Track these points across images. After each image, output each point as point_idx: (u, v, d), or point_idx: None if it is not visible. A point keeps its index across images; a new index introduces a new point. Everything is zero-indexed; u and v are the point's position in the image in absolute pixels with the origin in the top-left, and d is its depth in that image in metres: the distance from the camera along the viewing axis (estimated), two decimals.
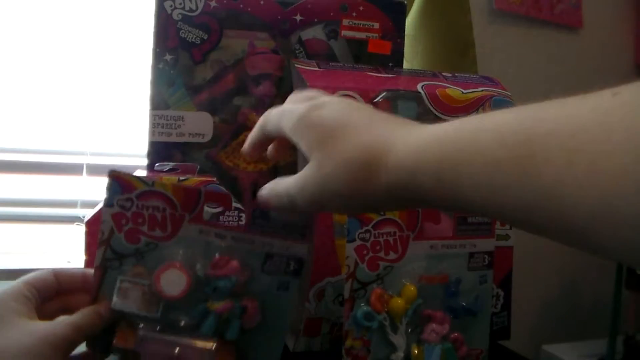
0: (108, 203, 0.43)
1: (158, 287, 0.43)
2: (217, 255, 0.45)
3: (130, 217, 0.44)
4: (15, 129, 1.03)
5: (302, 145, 0.37)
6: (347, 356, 0.53)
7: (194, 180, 0.57)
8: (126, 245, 0.44)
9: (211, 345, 0.44)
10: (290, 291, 0.46)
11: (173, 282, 0.44)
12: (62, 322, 0.40)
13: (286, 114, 0.39)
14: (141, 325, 0.43)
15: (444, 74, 0.68)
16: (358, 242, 0.52)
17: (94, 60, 1.04)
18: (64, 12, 1.03)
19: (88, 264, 0.57)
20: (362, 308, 0.52)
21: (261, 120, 0.42)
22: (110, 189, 0.43)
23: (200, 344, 0.44)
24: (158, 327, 0.43)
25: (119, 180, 0.43)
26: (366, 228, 0.52)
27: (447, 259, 0.56)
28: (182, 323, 0.44)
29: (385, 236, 0.53)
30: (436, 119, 0.61)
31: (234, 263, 0.45)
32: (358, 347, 0.53)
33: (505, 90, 0.66)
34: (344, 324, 0.53)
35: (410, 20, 0.98)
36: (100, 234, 0.44)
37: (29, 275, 0.43)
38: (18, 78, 1.02)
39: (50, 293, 0.44)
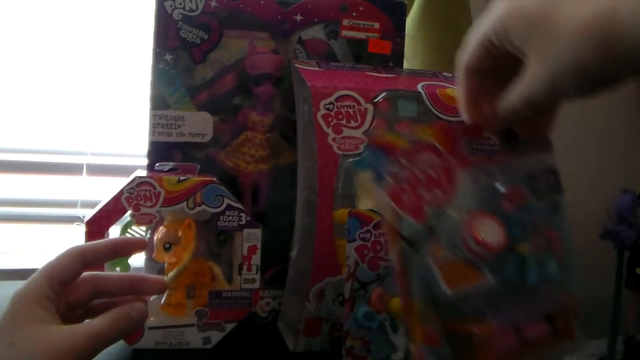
0: (377, 177, 0.36)
1: (481, 242, 0.36)
2: (504, 190, 0.39)
3: (407, 177, 0.37)
4: (15, 129, 1.03)
5: (515, 40, 0.34)
6: (347, 356, 0.53)
7: (194, 180, 0.57)
8: (416, 225, 0.36)
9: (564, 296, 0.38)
10: (563, 211, 0.41)
11: (490, 232, 0.36)
12: (82, 332, 0.38)
13: (485, 21, 0.36)
14: (477, 305, 0.35)
15: (444, 73, 0.68)
16: (359, 242, 0.52)
17: (94, 60, 1.04)
18: (64, 12, 1.02)
19: None
20: (363, 308, 0.52)
21: (458, 61, 0.40)
22: (372, 154, 0.37)
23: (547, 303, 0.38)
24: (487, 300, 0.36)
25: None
26: (367, 228, 0.52)
27: None
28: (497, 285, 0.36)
29: (386, 236, 0.53)
30: (437, 119, 0.61)
31: (522, 189, 0.39)
32: (358, 347, 0.53)
33: None
34: (344, 324, 0.53)
35: (410, 20, 0.98)
36: (384, 226, 0.37)
37: (53, 265, 0.41)
38: (18, 78, 1.02)
39: (76, 278, 0.42)
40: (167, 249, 0.58)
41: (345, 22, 0.68)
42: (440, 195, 0.37)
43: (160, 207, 0.57)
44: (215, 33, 0.64)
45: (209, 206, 0.58)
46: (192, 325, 0.58)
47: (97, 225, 0.56)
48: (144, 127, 0.64)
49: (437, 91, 0.62)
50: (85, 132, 1.04)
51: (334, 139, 0.57)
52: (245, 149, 0.65)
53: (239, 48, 0.65)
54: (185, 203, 0.57)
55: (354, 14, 0.68)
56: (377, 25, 0.69)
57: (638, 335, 1.07)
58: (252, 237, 0.59)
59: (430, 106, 0.61)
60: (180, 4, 0.62)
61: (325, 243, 0.57)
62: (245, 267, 0.59)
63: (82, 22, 1.03)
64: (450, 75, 0.67)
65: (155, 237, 0.59)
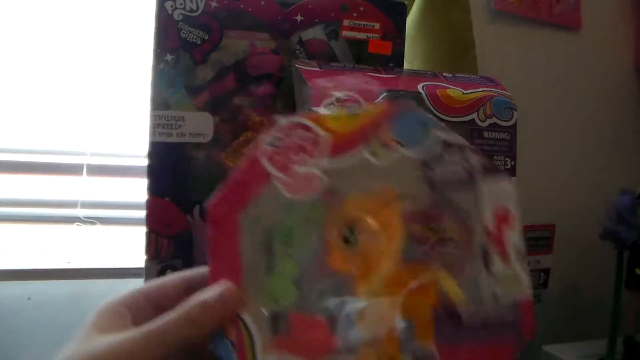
0: None
1: None
2: None
3: None
4: (15, 129, 1.03)
5: None
6: None
7: (375, 108, 0.36)
8: None
9: None
10: (542, 302, 0.48)
11: None
12: (138, 333, 0.31)
13: None
14: None
15: (444, 74, 0.68)
16: None
17: (94, 61, 1.04)
18: (64, 12, 1.02)
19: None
20: None
21: None
22: None
23: None
24: None
25: None
26: None
27: None
28: None
29: None
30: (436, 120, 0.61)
31: None
32: None
33: (506, 91, 0.66)
34: None
35: (410, 20, 0.98)
36: None
37: (150, 283, 0.35)
38: (18, 78, 1.02)
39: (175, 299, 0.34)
40: (349, 243, 0.33)
41: (346, 22, 0.68)
42: None
43: (326, 161, 0.34)
44: (216, 33, 0.64)
45: (408, 144, 0.35)
46: None
47: (224, 207, 0.33)
48: (144, 127, 0.64)
49: (437, 91, 0.62)
50: (85, 132, 1.04)
51: None
52: (245, 149, 0.65)
53: (239, 48, 0.65)
54: (367, 149, 0.35)
55: (354, 14, 0.68)
56: (377, 26, 0.69)
57: (638, 336, 1.07)
58: (502, 195, 0.35)
59: (430, 106, 0.61)
60: (181, 4, 0.62)
61: None
62: (495, 255, 0.35)
63: (82, 22, 1.03)
64: (450, 75, 0.68)
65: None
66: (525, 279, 0.35)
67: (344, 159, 0.34)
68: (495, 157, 0.64)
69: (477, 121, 0.63)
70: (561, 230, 1.18)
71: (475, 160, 0.36)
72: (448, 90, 0.63)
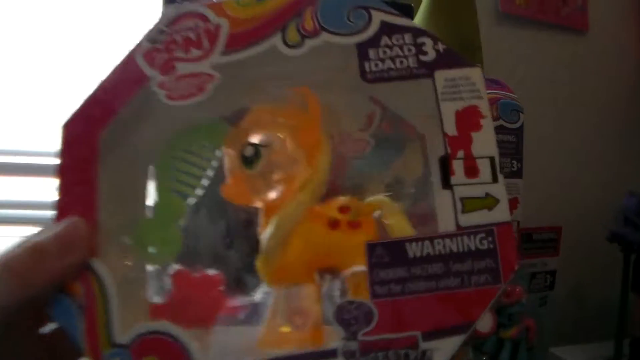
0: None
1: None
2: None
3: None
4: (14, 130, 1.02)
5: None
6: None
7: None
8: None
9: None
10: (549, 304, 0.51)
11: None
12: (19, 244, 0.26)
13: None
14: None
15: None
16: None
17: (94, 61, 1.03)
18: (64, 12, 1.02)
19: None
20: None
21: None
22: None
23: None
24: None
25: None
26: None
27: None
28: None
29: None
30: None
31: (520, 288, 0.48)
32: None
33: (512, 93, 0.65)
34: None
35: (416, 23, 0.97)
36: None
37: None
38: (18, 79, 1.01)
39: None
40: (250, 161, 0.25)
41: None
42: None
43: (222, 55, 0.25)
44: None
45: (332, 31, 0.25)
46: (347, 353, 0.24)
47: (81, 124, 0.25)
48: None
49: None
50: None
51: None
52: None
53: None
54: (279, 36, 0.25)
55: None
56: None
57: None
58: (466, 88, 0.28)
59: None
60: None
61: None
62: (458, 165, 0.27)
63: (82, 22, 1.02)
64: None
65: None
66: (501, 197, 0.26)
67: (246, 50, 0.25)
68: (501, 160, 0.63)
69: None
70: (568, 233, 1.17)
71: (430, 46, 0.28)
72: None
